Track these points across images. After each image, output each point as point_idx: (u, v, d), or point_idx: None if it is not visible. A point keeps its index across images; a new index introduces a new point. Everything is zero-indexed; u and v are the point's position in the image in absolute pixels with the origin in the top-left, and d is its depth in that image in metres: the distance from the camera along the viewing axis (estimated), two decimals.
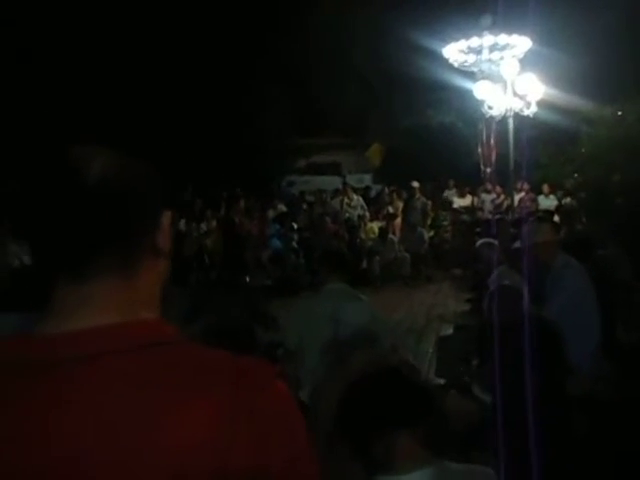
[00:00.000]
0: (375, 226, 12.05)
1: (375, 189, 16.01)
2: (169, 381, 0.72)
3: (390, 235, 11.36)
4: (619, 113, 11.20)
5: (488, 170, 13.13)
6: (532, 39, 11.31)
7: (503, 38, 11.32)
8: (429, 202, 12.94)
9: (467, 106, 12.82)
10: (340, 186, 14.28)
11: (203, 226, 11.09)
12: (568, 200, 11.74)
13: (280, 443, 0.73)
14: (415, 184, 12.86)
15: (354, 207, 12.68)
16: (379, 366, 1.70)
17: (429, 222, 12.65)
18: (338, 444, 1.64)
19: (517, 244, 4.47)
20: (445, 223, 12.51)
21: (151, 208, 0.81)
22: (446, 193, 13.72)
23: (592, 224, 8.95)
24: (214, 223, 11.26)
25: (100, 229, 0.75)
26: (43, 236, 0.76)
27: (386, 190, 14.17)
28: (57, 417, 0.70)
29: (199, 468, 0.68)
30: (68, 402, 0.70)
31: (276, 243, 10.82)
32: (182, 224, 10.60)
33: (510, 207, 10.04)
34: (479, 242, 5.18)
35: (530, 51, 11.27)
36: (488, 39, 11.30)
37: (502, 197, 11.76)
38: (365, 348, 2.43)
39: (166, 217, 0.84)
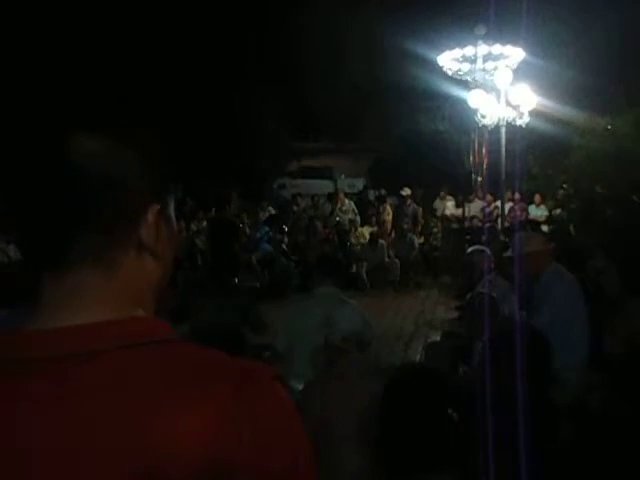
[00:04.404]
0: (366, 231, 12.06)
1: (366, 194, 16.03)
2: (164, 381, 0.70)
3: (380, 240, 11.37)
4: (609, 127, 11.31)
5: (479, 179, 13.20)
6: (525, 50, 11.41)
7: (497, 48, 11.42)
8: (420, 209, 12.98)
9: (460, 114, 12.88)
10: (332, 190, 14.31)
11: (193, 226, 11.05)
12: (558, 211, 11.82)
13: (283, 447, 0.71)
14: (406, 191, 12.89)
15: (345, 212, 12.70)
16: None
17: (419, 229, 12.70)
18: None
19: (508, 252, 4.48)
20: (435, 230, 12.55)
21: (135, 200, 0.78)
22: (437, 201, 13.77)
23: (582, 235, 9.02)
24: (204, 223, 11.22)
25: (78, 214, 0.73)
26: (26, 220, 0.75)
27: (376, 195, 14.23)
28: (37, 416, 0.68)
29: (193, 472, 0.66)
30: (51, 401, 0.68)
31: (266, 245, 10.79)
32: None
33: (500, 216, 10.09)
34: (470, 249, 5.19)
35: (523, 62, 11.37)
36: (482, 48, 11.39)
37: (493, 205, 11.82)
38: (355, 352, 2.42)
39: (152, 211, 0.79)
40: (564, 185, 12.12)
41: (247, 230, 11.05)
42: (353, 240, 11.73)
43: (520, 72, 10.37)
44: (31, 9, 11.14)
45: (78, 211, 0.73)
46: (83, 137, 0.76)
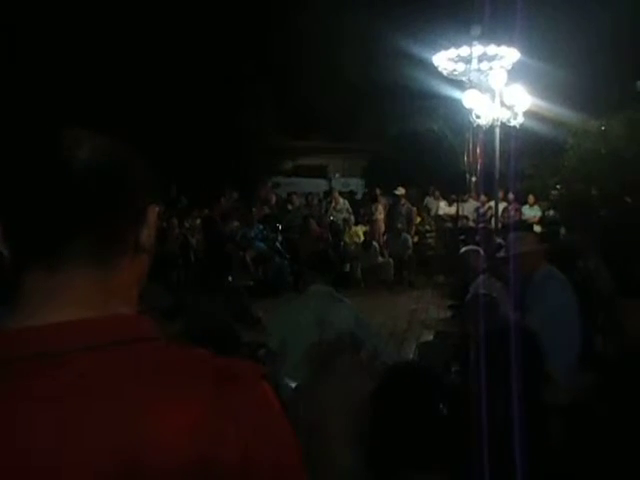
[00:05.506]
0: (360, 230, 12.07)
1: (361, 193, 16.07)
2: (147, 380, 0.69)
3: (374, 243, 11.37)
4: (602, 128, 11.38)
5: (473, 179, 13.24)
6: (520, 51, 11.47)
7: (492, 49, 11.46)
8: (414, 208, 13.00)
9: (455, 114, 12.91)
10: (327, 189, 14.32)
11: (187, 224, 11.02)
12: (551, 212, 11.87)
13: (268, 446, 0.71)
14: (401, 190, 12.91)
15: (340, 211, 12.71)
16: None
17: (413, 228, 12.71)
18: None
19: (501, 253, 4.49)
20: (428, 227, 12.59)
21: (137, 199, 0.77)
22: (427, 200, 13.80)
23: (574, 236, 9.06)
24: (198, 221, 11.19)
25: (79, 212, 0.72)
26: (18, 213, 0.72)
27: (370, 194, 14.25)
28: (19, 415, 0.67)
29: (177, 469, 0.66)
30: (33, 399, 0.67)
31: (260, 244, 10.78)
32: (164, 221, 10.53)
33: (494, 216, 10.13)
34: (464, 249, 5.20)
35: (518, 62, 11.42)
36: (477, 49, 11.42)
37: (487, 206, 11.86)
38: (350, 352, 2.42)
39: (152, 212, 0.80)
40: (557, 186, 12.18)
41: (240, 228, 11.02)
42: (347, 239, 11.73)
43: (515, 73, 10.41)
44: (38, 14, 11.15)
45: (79, 209, 0.72)
46: (87, 136, 0.75)
